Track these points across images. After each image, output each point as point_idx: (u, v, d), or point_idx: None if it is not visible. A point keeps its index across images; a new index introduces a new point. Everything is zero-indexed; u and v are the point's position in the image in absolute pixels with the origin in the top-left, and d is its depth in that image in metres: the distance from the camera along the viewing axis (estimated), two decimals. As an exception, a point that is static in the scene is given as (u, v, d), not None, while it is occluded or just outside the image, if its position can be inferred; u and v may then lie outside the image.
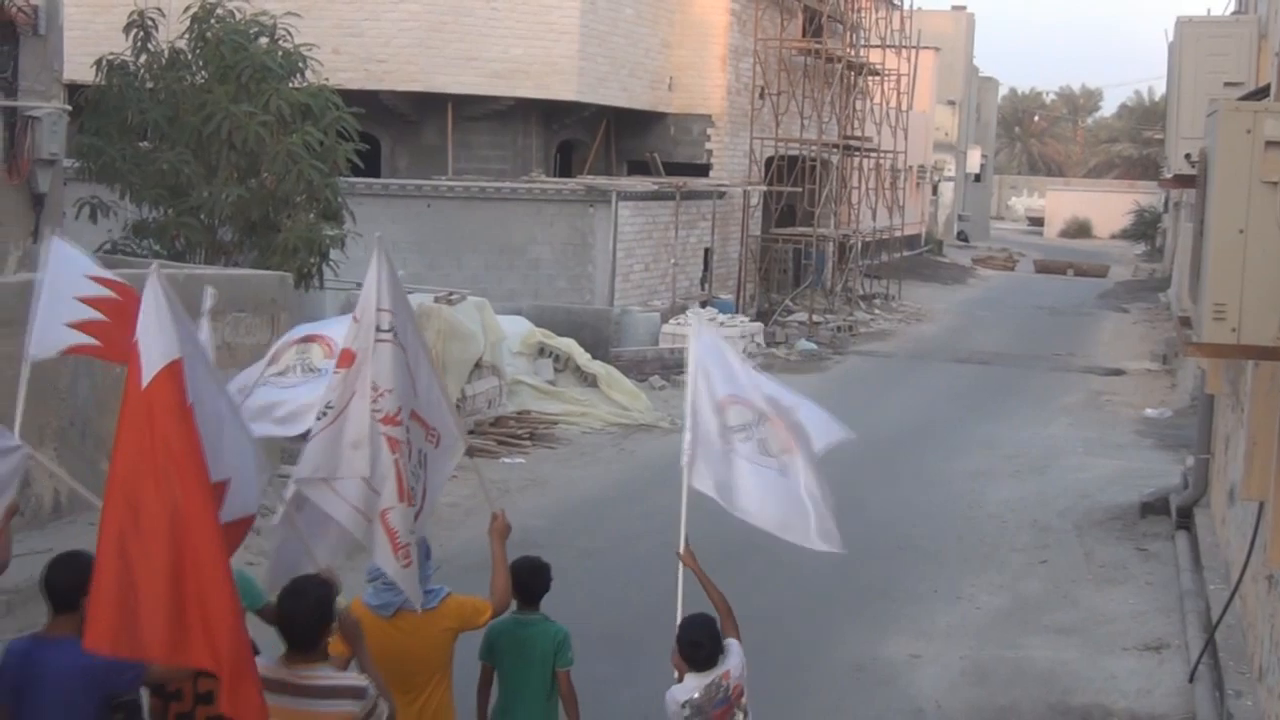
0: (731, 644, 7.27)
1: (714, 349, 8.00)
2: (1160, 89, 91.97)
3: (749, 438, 7.74)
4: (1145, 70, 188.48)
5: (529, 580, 7.78)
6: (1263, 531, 9.96)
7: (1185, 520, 16.24)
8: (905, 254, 52.78)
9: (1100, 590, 14.78)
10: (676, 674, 7.16)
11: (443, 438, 7.49)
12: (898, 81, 48.03)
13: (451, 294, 21.61)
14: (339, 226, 20.83)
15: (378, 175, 30.75)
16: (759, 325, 31.91)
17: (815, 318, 36.90)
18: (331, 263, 20.58)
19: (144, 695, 6.54)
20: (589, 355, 24.10)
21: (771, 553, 12.03)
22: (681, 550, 7.63)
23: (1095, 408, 26.50)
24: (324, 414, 6.88)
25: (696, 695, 6.99)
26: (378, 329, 6.82)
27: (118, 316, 7.87)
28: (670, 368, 26.26)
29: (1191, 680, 11.69)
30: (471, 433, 18.24)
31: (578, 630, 8.08)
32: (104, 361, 8.79)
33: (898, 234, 49.51)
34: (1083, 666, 12.50)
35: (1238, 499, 11.96)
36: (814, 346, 33.25)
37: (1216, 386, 13.99)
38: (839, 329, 36.53)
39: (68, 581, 6.20)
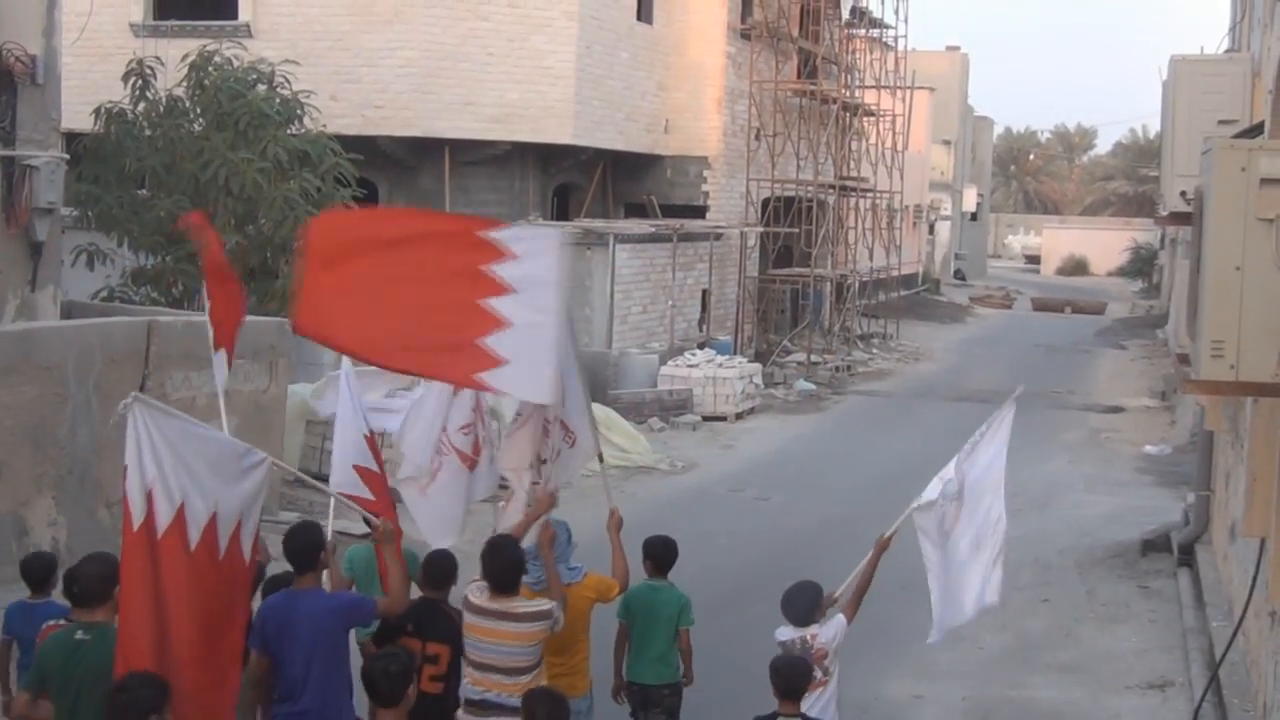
0: (837, 618, 8.80)
1: (996, 436, 9.11)
2: (1155, 127, 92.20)
3: (941, 507, 9.05)
4: (1140, 108, 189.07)
5: (661, 554, 9.56)
6: (1265, 568, 9.94)
7: (1187, 557, 16.20)
8: (902, 293, 52.81)
9: (1103, 628, 14.73)
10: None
11: (579, 441, 9.62)
12: (893, 122, 48.15)
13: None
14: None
15: (375, 220, 30.75)
16: (757, 366, 31.90)
17: (813, 358, 36.91)
18: (329, 308, 20.58)
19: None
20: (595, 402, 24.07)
21: (773, 595, 11.99)
22: (886, 535, 9.11)
23: (1095, 445, 26.49)
24: (516, 418, 9.54)
25: (785, 639, 8.64)
26: None
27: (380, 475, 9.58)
28: (669, 409, 26.25)
29: (1195, 718, 11.63)
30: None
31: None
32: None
33: (895, 273, 49.55)
34: (1086, 705, 12.45)
35: (1239, 535, 11.93)
36: (812, 387, 33.24)
37: (1216, 423, 13.99)
38: (837, 369, 36.51)
39: (305, 545, 7.94)
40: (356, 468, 9.50)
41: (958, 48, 75.96)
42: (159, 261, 20.19)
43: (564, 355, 8.80)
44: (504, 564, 8.07)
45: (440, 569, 8.77)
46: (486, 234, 8.32)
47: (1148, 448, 25.69)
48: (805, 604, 8.76)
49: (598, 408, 23.65)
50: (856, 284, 43.33)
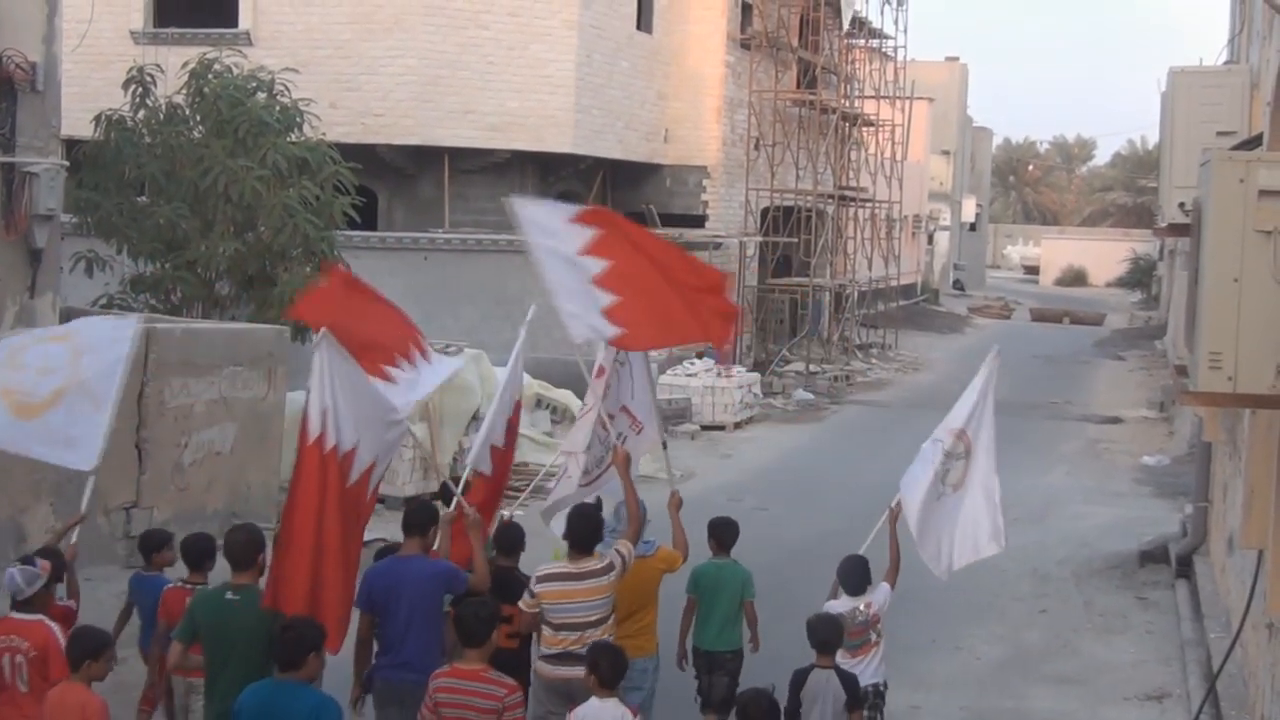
0: (883, 586, 10.09)
1: (982, 390, 10.57)
2: (1154, 138, 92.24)
3: (944, 463, 10.25)
4: (1139, 119, 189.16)
5: (723, 533, 10.75)
6: (1262, 579, 9.94)
7: (1185, 568, 16.20)
8: (901, 303, 52.85)
9: (1100, 639, 14.73)
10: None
11: (645, 429, 10.95)
12: (892, 132, 48.22)
13: (448, 346, 21.60)
14: (335, 280, 20.84)
15: (374, 228, 30.80)
16: (756, 375, 31.90)
17: (812, 367, 36.95)
18: (328, 316, 20.57)
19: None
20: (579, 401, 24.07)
21: (771, 604, 12.04)
22: (893, 506, 10.35)
23: (1093, 456, 26.50)
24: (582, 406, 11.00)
25: (841, 610, 9.72)
26: (619, 355, 10.68)
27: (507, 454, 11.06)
28: (668, 418, 26.24)
29: (1193, 730, 11.64)
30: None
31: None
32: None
33: (893, 283, 49.60)
34: (1084, 717, 12.45)
35: (1237, 547, 11.94)
36: (811, 396, 33.26)
37: (1214, 434, 13.99)
38: (836, 378, 36.53)
39: (416, 515, 9.26)
40: (493, 447, 10.67)
41: (957, 58, 76.07)
42: (158, 269, 20.18)
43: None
44: (588, 526, 9.22)
45: (511, 539, 10.03)
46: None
47: (1145, 459, 25.69)
48: (859, 576, 10.01)
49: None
50: (855, 294, 43.36)
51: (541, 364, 26.22)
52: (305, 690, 7.77)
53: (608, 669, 8.15)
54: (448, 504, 9.91)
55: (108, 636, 8.27)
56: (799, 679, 9.04)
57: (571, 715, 8.28)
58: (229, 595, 8.53)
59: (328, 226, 20.58)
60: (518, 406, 11.44)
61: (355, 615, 9.05)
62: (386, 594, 8.99)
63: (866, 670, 9.74)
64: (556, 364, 26.90)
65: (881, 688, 10.09)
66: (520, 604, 9.12)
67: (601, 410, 10.57)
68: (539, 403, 23.60)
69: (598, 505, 9.94)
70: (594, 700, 8.14)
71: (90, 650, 7.84)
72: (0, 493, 13.17)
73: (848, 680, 9.08)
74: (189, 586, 9.42)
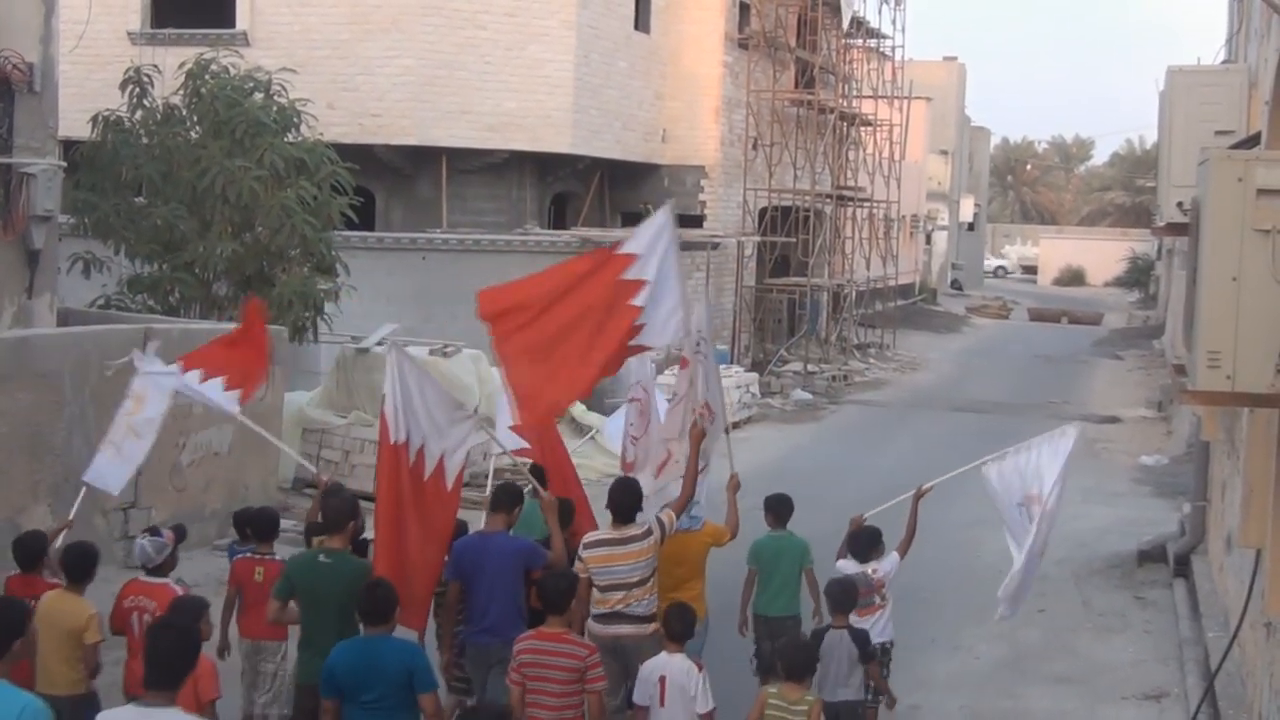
0: (893, 555, 11.04)
1: (1065, 459, 10.31)
2: (1152, 137, 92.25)
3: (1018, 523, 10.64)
4: (1137, 119, 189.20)
5: (779, 508, 11.72)
6: (1261, 578, 9.94)
7: (1183, 568, 16.21)
8: (899, 303, 52.86)
9: (1099, 639, 14.74)
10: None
11: (715, 418, 11.54)
12: (890, 132, 48.18)
13: (447, 346, 21.62)
14: (333, 280, 20.88)
15: (372, 229, 30.79)
16: (754, 375, 31.90)
17: (810, 367, 36.94)
18: (325, 316, 20.60)
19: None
20: (584, 406, 24.07)
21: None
22: (925, 487, 11.23)
23: (1091, 455, 26.46)
24: (671, 399, 11.96)
25: (849, 572, 10.72)
26: (697, 347, 11.33)
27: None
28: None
29: (1191, 729, 11.65)
30: (467, 485, 18.16)
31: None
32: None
33: (892, 283, 49.57)
34: (1082, 716, 12.46)
35: (1235, 546, 11.94)
36: (809, 396, 33.28)
37: (1212, 433, 14.00)
38: (834, 378, 36.55)
39: (502, 495, 10.32)
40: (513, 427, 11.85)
41: (955, 58, 76.09)
42: (155, 269, 20.16)
43: (705, 345, 11.46)
44: (629, 498, 10.00)
45: (565, 514, 10.73)
46: (615, 251, 10.87)
47: (1144, 458, 25.70)
48: (866, 544, 10.99)
49: (593, 417, 23.70)
50: (853, 294, 43.34)
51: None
52: (394, 641, 8.43)
53: (676, 625, 9.09)
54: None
55: (204, 601, 9.13)
56: (817, 638, 10.01)
57: (644, 666, 9.12)
58: (321, 558, 9.48)
59: (325, 227, 20.58)
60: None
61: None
62: (472, 566, 9.94)
63: (873, 629, 10.64)
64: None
65: (888, 645, 11.04)
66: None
67: (696, 399, 11.24)
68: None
69: (636, 480, 10.72)
70: (664, 654, 9.06)
71: (193, 615, 8.38)
72: (-2, 494, 13.17)
73: (859, 637, 10.08)
74: (257, 556, 10.60)
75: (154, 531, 9.94)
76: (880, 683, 10.52)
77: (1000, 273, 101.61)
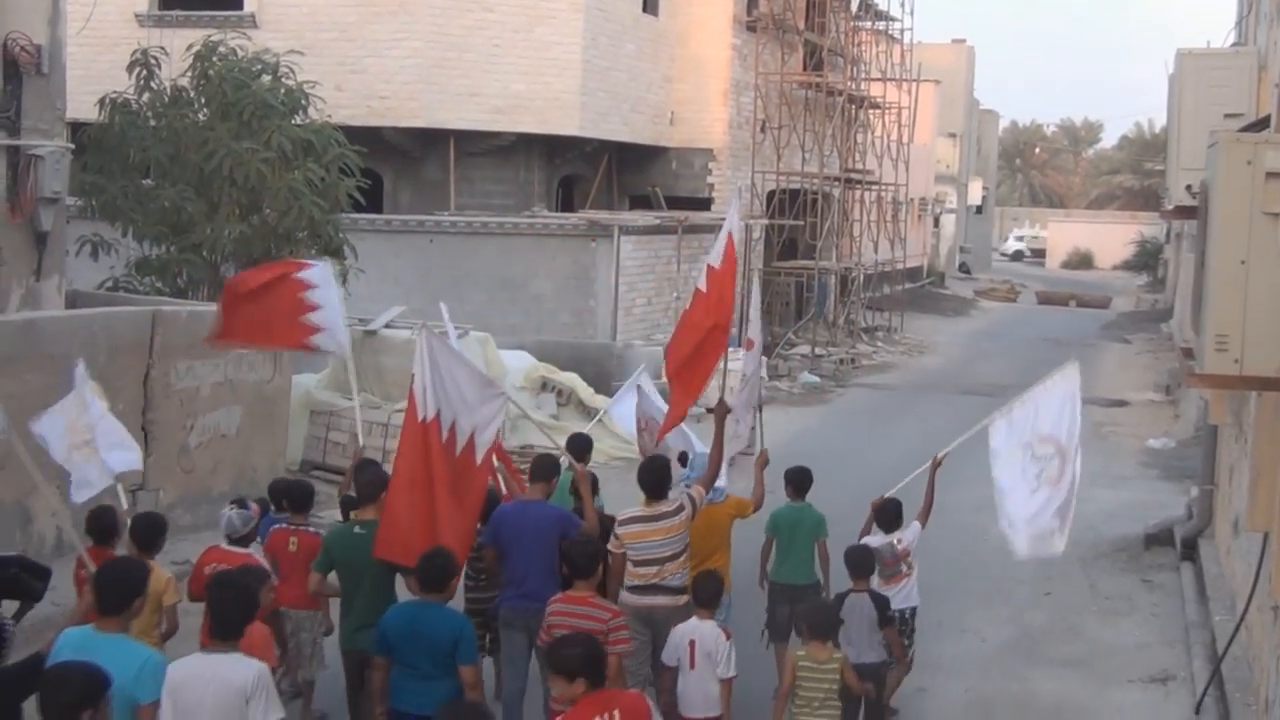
0: (914, 525, 11.50)
1: (1071, 398, 10.69)
2: (1161, 120, 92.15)
3: (1038, 464, 10.86)
4: (1146, 102, 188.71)
5: (799, 480, 12.18)
6: (1268, 562, 9.95)
7: (1190, 551, 16.20)
8: (907, 286, 52.81)
9: (1105, 622, 14.74)
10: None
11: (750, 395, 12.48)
12: (898, 114, 48.09)
13: (456, 329, 21.61)
14: (341, 262, 20.88)
15: (380, 211, 30.80)
16: (762, 358, 31.86)
17: (818, 350, 36.92)
18: (334, 298, 20.59)
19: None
20: (592, 390, 24.08)
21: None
22: (939, 456, 11.68)
23: (1099, 439, 26.42)
24: (743, 380, 12.82)
25: (877, 544, 11.22)
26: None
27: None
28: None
29: (1198, 713, 11.65)
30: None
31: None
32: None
33: (900, 266, 49.54)
34: (1088, 699, 12.46)
35: (1242, 529, 11.94)
36: (816, 379, 33.25)
37: (1220, 417, 13.99)
38: (841, 361, 36.52)
39: (541, 466, 10.78)
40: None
41: (963, 40, 75.88)
42: (163, 251, 20.18)
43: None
44: (658, 475, 10.36)
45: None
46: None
47: (1151, 442, 25.67)
48: (891, 516, 11.46)
49: (600, 399, 23.71)
50: (861, 277, 43.33)
51: (546, 346, 26.28)
52: (446, 610, 8.88)
53: (703, 592, 9.56)
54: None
55: (267, 571, 9.84)
56: (838, 601, 10.44)
57: (675, 630, 9.54)
58: (357, 529, 9.98)
59: (333, 209, 20.59)
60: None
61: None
62: (511, 533, 10.33)
63: (899, 596, 11.18)
64: (563, 347, 26.97)
65: (908, 614, 11.46)
66: (608, 546, 10.22)
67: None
68: (545, 385, 23.59)
69: (665, 458, 11.04)
70: (694, 620, 9.49)
71: (256, 578, 8.86)
72: (5, 475, 13.18)
73: (879, 601, 10.50)
74: (292, 527, 11.02)
75: (241, 504, 10.60)
76: (897, 645, 10.79)
77: (1020, 257, 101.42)
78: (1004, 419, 11.05)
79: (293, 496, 11.33)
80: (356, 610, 9.73)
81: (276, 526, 11.12)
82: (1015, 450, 11.06)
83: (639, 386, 13.08)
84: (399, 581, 9.80)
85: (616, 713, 6.96)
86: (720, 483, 11.30)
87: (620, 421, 14.86)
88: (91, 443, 10.91)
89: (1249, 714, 10.84)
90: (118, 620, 7.21)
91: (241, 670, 7.15)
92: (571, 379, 23.95)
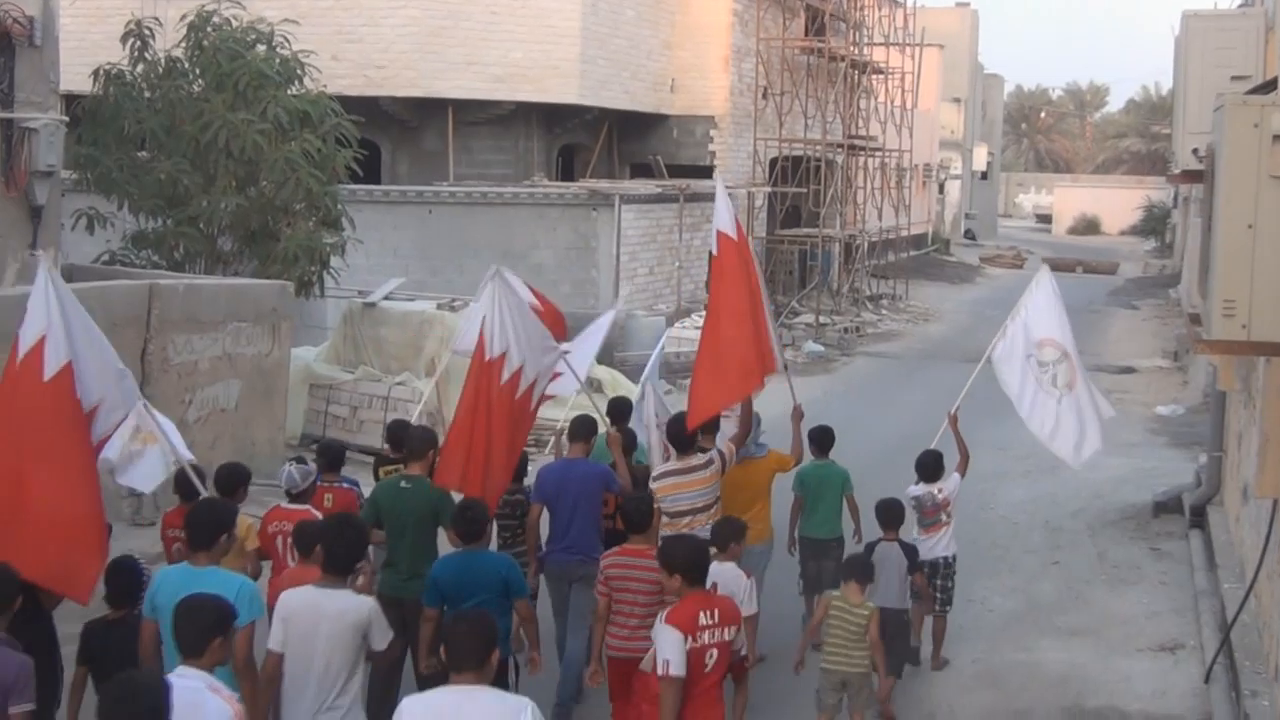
0: (954, 476, 12.03)
1: (1053, 298, 12.62)
2: (1168, 83, 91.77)
3: (1047, 371, 12.14)
4: (1152, 65, 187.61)
5: (822, 439, 12.66)
6: (1277, 529, 9.95)
7: (1199, 519, 16.21)
8: (912, 253, 52.75)
9: (1114, 591, 14.76)
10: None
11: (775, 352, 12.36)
12: (902, 79, 47.99)
13: (454, 301, 21.62)
14: (339, 234, 20.86)
15: (378, 182, 30.78)
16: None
17: (822, 319, 36.89)
18: (332, 270, 20.60)
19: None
20: (593, 360, 24.07)
21: (782, 562, 12.32)
22: (952, 411, 12.38)
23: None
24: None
25: (919, 494, 11.90)
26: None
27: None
28: (676, 372, 26.24)
29: (1207, 681, 11.68)
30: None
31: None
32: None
33: (904, 233, 49.48)
34: (1097, 669, 12.49)
35: (1252, 496, 11.95)
36: (821, 348, 33.24)
37: (1228, 383, 13.99)
38: (846, 330, 36.52)
39: (581, 425, 11.49)
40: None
41: (967, 4, 75.54)
42: (159, 225, 20.16)
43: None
44: (685, 429, 10.91)
45: (628, 441, 11.93)
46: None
47: (1160, 409, 25.67)
48: (933, 467, 11.99)
49: (603, 370, 23.72)
50: (865, 244, 43.29)
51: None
52: (489, 554, 9.53)
53: (720, 535, 9.76)
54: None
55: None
56: (868, 550, 11.12)
57: None
58: (403, 484, 10.41)
59: (330, 180, 20.55)
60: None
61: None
62: (556, 489, 10.98)
63: (938, 545, 11.93)
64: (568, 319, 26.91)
65: (951, 560, 12.07)
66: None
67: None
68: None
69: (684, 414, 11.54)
70: (715, 563, 9.32)
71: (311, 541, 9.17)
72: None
73: (908, 550, 11.28)
74: (326, 484, 11.38)
75: (300, 460, 11.14)
76: (925, 590, 11.58)
77: (1038, 223, 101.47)
78: (1000, 340, 12.40)
79: (327, 455, 11.85)
80: (398, 560, 10.16)
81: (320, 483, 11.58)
82: (1017, 361, 12.21)
83: (651, 386, 13.03)
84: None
85: (716, 611, 7.94)
86: (763, 440, 12.00)
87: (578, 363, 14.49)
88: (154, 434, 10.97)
89: (1258, 682, 10.85)
90: (209, 554, 8.04)
91: (355, 604, 7.93)
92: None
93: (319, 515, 10.37)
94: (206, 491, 10.19)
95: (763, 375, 11.39)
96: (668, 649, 7.77)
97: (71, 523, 8.43)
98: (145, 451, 10.79)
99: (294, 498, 10.65)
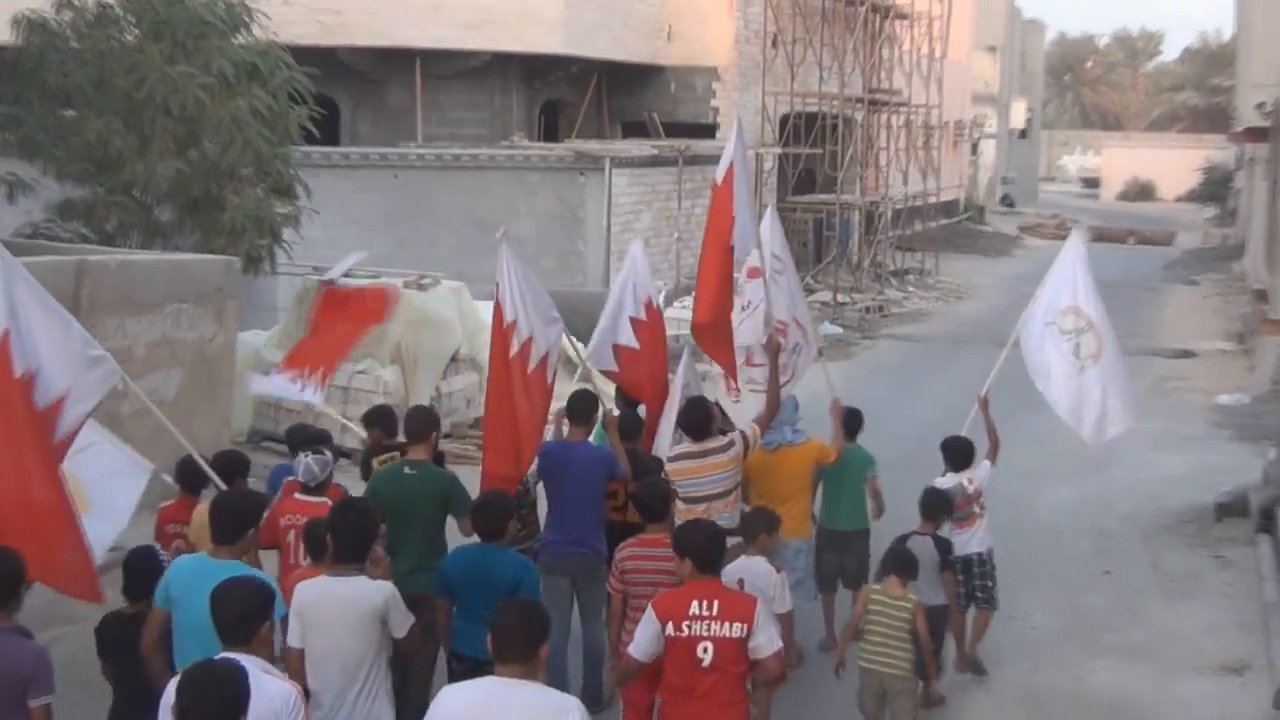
0: (985, 464, 12.35)
1: (1080, 263, 12.98)
2: (1229, 30, 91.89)
3: (1069, 340, 12.68)
4: (1212, 9, 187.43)
5: (849, 421, 12.84)
6: (1355, 534, 9.97)
7: (1267, 522, 16.24)
8: (942, 223, 52.84)
9: (1171, 604, 14.78)
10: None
11: (807, 334, 13.73)
12: (929, 26, 47.99)
13: (423, 278, 21.59)
14: (292, 203, 20.84)
15: (337, 143, 30.77)
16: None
17: (840, 297, 36.93)
18: (284, 244, 20.56)
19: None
20: (581, 344, 24.08)
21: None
22: (982, 395, 12.87)
23: (1162, 395, 26.48)
24: (745, 307, 13.27)
25: (949, 486, 11.98)
26: (775, 262, 13.33)
27: (647, 348, 13.41)
28: (673, 358, 26.24)
29: (1276, 706, 11.69)
30: (448, 436, 18.19)
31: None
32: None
33: (933, 200, 49.53)
34: (1152, 693, 12.50)
35: (1327, 497, 11.97)
36: (839, 330, 33.26)
37: (1300, 368, 13.99)
38: (868, 310, 36.57)
39: (581, 405, 11.65)
40: (615, 346, 13.21)
41: (1004, -60, 75.66)
42: (89, 192, 20.11)
43: (781, 261, 13.51)
44: (699, 414, 11.43)
45: (631, 426, 12.33)
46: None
47: (1222, 398, 25.68)
48: (963, 455, 12.32)
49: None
50: (889, 212, 43.30)
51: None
52: (507, 553, 9.64)
53: (750, 527, 10.07)
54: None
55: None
56: (900, 542, 11.19)
57: (726, 569, 9.42)
58: (406, 470, 10.69)
59: (282, 141, 20.51)
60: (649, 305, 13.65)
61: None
62: (556, 471, 11.30)
63: (972, 540, 12.23)
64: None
65: (986, 555, 12.34)
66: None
67: (772, 312, 13.02)
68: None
69: (703, 397, 12.34)
70: (743, 557, 9.84)
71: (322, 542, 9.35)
72: None
73: (942, 545, 11.46)
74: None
75: (316, 450, 11.20)
76: (952, 590, 11.69)
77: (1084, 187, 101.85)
78: (1026, 312, 13.07)
79: (313, 446, 11.93)
80: (403, 553, 10.19)
81: (290, 478, 11.56)
82: (1036, 328, 12.90)
83: (689, 351, 13.88)
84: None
85: (716, 603, 8.06)
86: (801, 426, 12.37)
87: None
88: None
89: (1334, 706, 10.88)
90: (231, 548, 8.40)
91: (372, 590, 8.24)
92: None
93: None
94: (218, 484, 10.68)
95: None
96: (639, 630, 8.19)
97: (37, 516, 8.75)
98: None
99: (312, 490, 10.81)
